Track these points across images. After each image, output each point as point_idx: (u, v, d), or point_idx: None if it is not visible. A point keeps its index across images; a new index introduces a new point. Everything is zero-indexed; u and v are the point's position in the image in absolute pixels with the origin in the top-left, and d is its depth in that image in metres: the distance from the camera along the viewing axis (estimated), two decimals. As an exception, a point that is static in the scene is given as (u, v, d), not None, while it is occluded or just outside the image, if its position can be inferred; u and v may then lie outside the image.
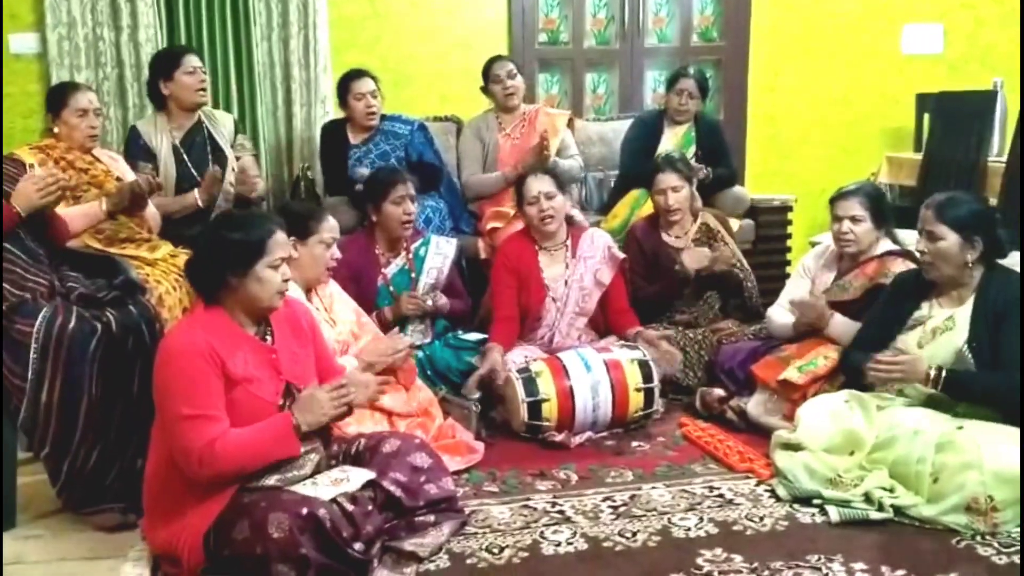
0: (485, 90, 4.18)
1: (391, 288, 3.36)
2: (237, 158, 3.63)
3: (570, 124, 4.25)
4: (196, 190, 3.43)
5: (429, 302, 3.33)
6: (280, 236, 2.20)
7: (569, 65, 4.95)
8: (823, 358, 2.95)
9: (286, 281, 2.21)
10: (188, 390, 2.06)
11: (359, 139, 3.99)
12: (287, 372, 2.22)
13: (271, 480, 2.14)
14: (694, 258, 3.52)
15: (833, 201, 3.11)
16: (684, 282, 3.55)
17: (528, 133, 4.11)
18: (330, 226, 2.85)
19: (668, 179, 3.57)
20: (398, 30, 4.63)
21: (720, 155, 4.16)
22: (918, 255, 2.69)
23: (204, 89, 3.56)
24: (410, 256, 3.42)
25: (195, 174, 3.49)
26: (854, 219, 3.03)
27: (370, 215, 3.40)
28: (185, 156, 3.52)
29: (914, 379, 2.56)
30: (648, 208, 3.94)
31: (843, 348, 2.90)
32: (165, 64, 3.52)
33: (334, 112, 4.32)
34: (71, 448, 2.41)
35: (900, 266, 2.96)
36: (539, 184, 3.34)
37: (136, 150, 3.47)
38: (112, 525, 2.44)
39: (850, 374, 2.80)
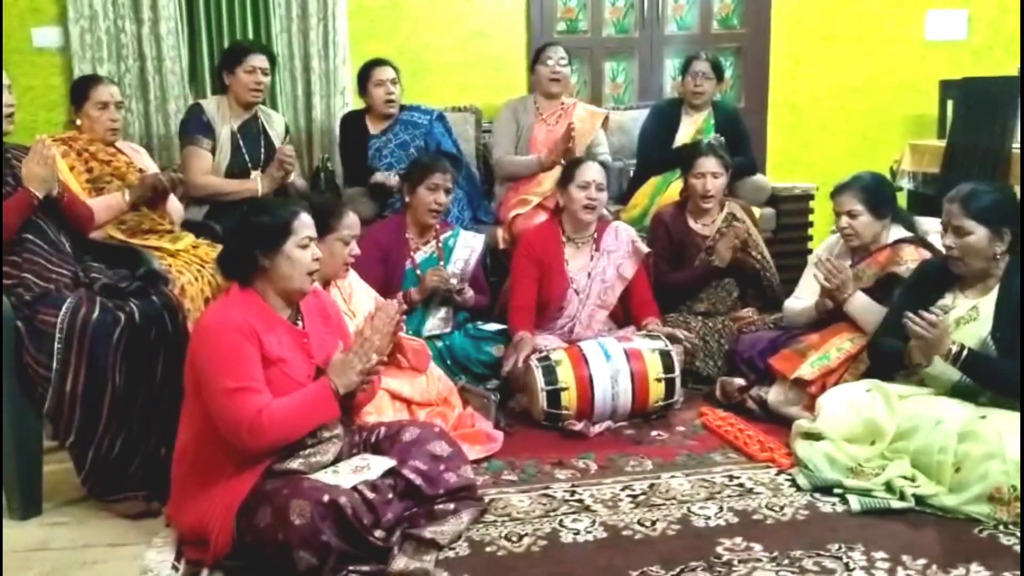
0: (532, 71, 4.20)
1: (418, 272, 3.37)
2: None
3: (605, 123, 4.24)
4: (259, 175, 3.49)
5: (454, 281, 3.32)
6: (305, 217, 2.26)
7: (588, 54, 4.92)
8: (836, 350, 2.93)
9: (316, 260, 2.25)
10: (230, 363, 2.10)
11: (378, 129, 3.99)
12: (318, 356, 2.27)
13: (295, 464, 2.18)
14: (726, 247, 3.51)
15: (832, 197, 3.10)
16: (713, 273, 3.55)
17: (563, 124, 4.07)
18: (349, 223, 2.79)
19: (710, 164, 3.56)
20: (416, 20, 4.63)
21: (739, 143, 4.12)
22: (944, 250, 2.64)
23: (259, 90, 3.61)
24: (439, 245, 3.45)
25: (248, 163, 3.55)
26: (851, 214, 3.02)
27: (405, 195, 3.42)
28: (241, 143, 3.56)
29: (936, 349, 2.48)
30: (668, 196, 3.93)
31: (869, 336, 2.86)
32: (230, 57, 3.62)
33: (353, 103, 4.33)
34: (95, 436, 2.43)
35: (912, 253, 2.95)
36: (595, 173, 3.37)
37: (198, 125, 3.54)
38: (136, 512, 2.46)
39: (877, 359, 2.78)
